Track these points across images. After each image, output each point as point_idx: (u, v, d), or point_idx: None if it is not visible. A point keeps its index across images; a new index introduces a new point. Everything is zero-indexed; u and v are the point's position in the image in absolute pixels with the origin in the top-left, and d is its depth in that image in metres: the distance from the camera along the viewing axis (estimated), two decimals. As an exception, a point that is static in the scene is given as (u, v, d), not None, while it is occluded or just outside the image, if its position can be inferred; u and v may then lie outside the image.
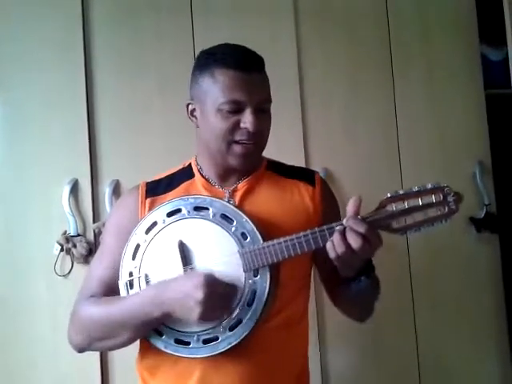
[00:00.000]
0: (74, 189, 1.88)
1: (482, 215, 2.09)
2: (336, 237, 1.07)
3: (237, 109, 1.19)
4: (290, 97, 2.01)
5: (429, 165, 2.10)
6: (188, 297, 1.06)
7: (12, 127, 1.90)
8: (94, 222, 1.89)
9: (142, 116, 1.96)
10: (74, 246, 1.84)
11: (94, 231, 1.88)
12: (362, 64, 2.10)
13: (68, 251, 1.84)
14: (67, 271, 1.85)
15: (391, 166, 2.08)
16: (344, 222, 1.09)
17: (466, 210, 2.07)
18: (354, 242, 1.06)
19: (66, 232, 1.85)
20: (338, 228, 1.09)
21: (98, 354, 1.84)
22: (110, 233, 1.31)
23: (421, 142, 2.11)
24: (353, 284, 1.17)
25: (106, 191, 1.89)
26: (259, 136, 1.23)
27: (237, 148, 1.21)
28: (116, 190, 1.91)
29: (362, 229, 1.06)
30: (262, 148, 1.29)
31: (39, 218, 1.87)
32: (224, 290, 1.10)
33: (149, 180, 1.34)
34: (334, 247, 1.08)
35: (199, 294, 1.05)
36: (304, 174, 1.37)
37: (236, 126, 1.20)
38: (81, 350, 1.24)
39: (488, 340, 2.08)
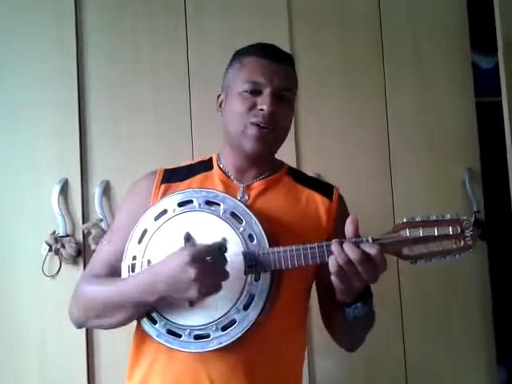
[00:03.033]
0: (64, 189, 1.88)
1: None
2: (337, 248, 1.05)
3: (256, 90, 1.23)
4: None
5: (419, 171, 2.11)
6: (180, 278, 1.04)
7: (1, 126, 1.90)
8: (84, 222, 1.89)
9: (134, 117, 1.96)
10: (63, 246, 1.83)
11: (83, 232, 1.88)
12: (354, 70, 2.11)
13: (56, 251, 1.83)
14: (55, 272, 1.85)
15: (382, 172, 2.09)
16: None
17: (454, 217, 2.08)
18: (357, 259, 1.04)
19: (54, 232, 1.85)
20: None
21: (84, 352, 1.83)
22: (122, 214, 1.32)
23: (411, 149, 2.11)
24: (348, 310, 1.14)
25: (95, 192, 1.89)
26: (275, 121, 1.23)
27: (251, 130, 1.23)
28: (106, 191, 1.91)
29: (373, 251, 1.04)
30: (279, 137, 1.29)
31: (28, 218, 1.87)
32: (211, 256, 1.05)
33: (167, 167, 1.35)
34: (335, 259, 1.05)
35: (190, 274, 1.02)
36: (323, 187, 1.37)
37: (253, 107, 1.22)
38: (79, 326, 1.26)
39: (474, 348, 2.08)
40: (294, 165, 1.95)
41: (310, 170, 1.96)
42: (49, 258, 1.84)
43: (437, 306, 2.07)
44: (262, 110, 1.21)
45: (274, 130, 1.24)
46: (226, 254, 1.09)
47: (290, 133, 1.96)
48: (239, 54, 1.31)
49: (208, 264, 1.04)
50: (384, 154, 2.10)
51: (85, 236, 1.88)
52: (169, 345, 1.15)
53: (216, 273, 1.06)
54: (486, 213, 2.13)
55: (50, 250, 1.83)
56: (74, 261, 1.85)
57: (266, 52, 1.26)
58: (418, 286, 2.05)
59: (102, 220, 1.86)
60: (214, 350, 1.13)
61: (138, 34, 1.99)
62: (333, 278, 1.07)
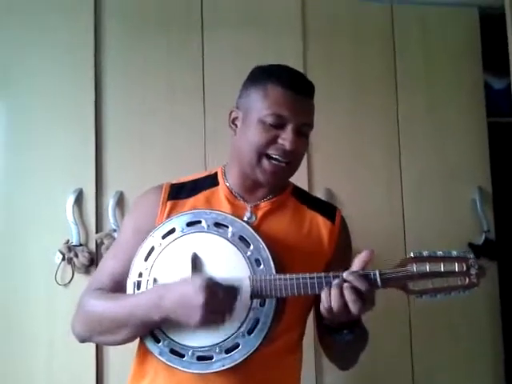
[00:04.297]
0: (79, 198, 1.90)
1: (481, 242, 2.09)
2: (333, 289, 1.07)
3: (279, 124, 1.20)
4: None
5: (430, 189, 2.12)
6: (189, 301, 1.05)
7: (19, 135, 1.93)
8: (97, 232, 1.90)
9: (150, 128, 1.98)
10: (76, 255, 1.85)
11: (96, 241, 1.89)
12: (367, 87, 2.13)
13: (69, 260, 1.85)
14: (68, 280, 1.86)
15: (393, 190, 2.10)
16: (344, 275, 1.08)
17: (464, 236, 2.08)
18: (349, 296, 1.05)
19: (68, 241, 1.86)
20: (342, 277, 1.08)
21: (93, 361, 1.84)
22: (127, 229, 1.31)
23: (422, 167, 2.13)
24: (336, 336, 1.17)
25: (109, 202, 1.91)
26: (293, 157, 1.22)
27: (267, 164, 1.21)
28: (120, 202, 1.92)
29: (362, 286, 1.05)
30: (294, 171, 1.29)
31: (42, 226, 1.88)
32: (224, 293, 1.07)
33: (173, 182, 1.34)
34: (328, 298, 1.07)
35: (200, 298, 1.03)
36: (326, 209, 1.36)
37: (273, 141, 1.20)
38: (82, 341, 1.25)
39: (483, 366, 2.08)
40: (305, 180, 1.99)
41: (321, 187, 2.00)
42: (62, 267, 1.85)
43: (446, 327, 2.07)
44: (283, 145, 1.20)
45: (290, 164, 1.23)
46: (234, 277, 1.11)
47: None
48: (263, 77, 1.25)
49: (219, 295, 1.06)
50: (395, 171, 2.12)
51: (98, 246, 1.89)
52: (170, 364, 1.15)
53: (223, 306, 1.08)
54: (496, 232, 2.14)
55: (63, 258, 1.84)
56: (87, 270, 1.87)
57: (292, 83, 1.22)
58: (427, 307, 2.03)
59: (115, 230, 1.88)
60: (216, 372, 1.13)
61: (153, 46, 2.02)
62: (323, 312, 1.09)
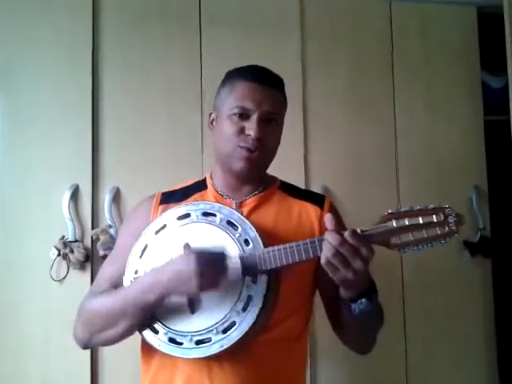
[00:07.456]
0: (75, 194, 1.89)
1: (477, 239, 2.10)
2: (326, 244, 1.08)
3: (244, 115, 1.26)
4: (293, 113, 2.00)
5: (426, 187, 2.12)
6: (183, 271, 1.10)
7: (15, 130, 1.91)
8: (93, 228, 1.90)
9: (147, 125, 1.97)
10: (71, 251, 1.84)
11: (91, 237, 1.89)
12: (364, 85, 2.13)
13: (65, 256, 1.84)
14: (63, 276, 1.85)
15: (389, 188, 2.11)
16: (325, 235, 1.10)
17: (460, 234, 2.07)
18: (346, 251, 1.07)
19: (63, 237, 1.86)
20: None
21: (88, 358, 1.83)
22: (124, 236, 1.36)
23: (419, 165, 2.13)
24: (354, 305, 1.16)
25: (105, 198, 1.90)
26: (262, 145, 1.27)
27: (240, 152, 1.27)
28: (116, 198, 1.92)
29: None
30: (267, 157, 1.33)
31: (38, 222, 1.87)
32: (213, 258, 1.12)
33: (164, 190, 1.39)
34: (325, 253, 1.08)
35: (193, 266, 1.08)
36: (314, 197, 1.40)
37: (241, 132, 1.27)
38: (85, 346, 1.28)
39: (477, 363, 2.10)
40: (302, 177, 1.99)
41: (317, 184, 2.00)
42: (57, 263, 1.85)
43: (441, 323, 2.08)
44: (249, 135, 1.25)
45: (261, 152, 1.28)
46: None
47: (299, 147, 2.03)
48: (231, 76, 1.34)
49: (210, 260, 1.11)
50: (392, 170, 2.12)
51: (93, 242, 1.89)
52: (170, 353, 1.17)
53: (216, 268, 1.11)
54: (491, 230, 2.15)
55: (59, 254, 1.83)
56: (82, 266, 1.86)
57: (255, 76, 1.30)
58: (423, 305, 2.07)
59: (111, 226, 1.88)
60: (216, 354, 1.13)
61: (151, 43, 2.02)
62: (325, 268, 1.09)
